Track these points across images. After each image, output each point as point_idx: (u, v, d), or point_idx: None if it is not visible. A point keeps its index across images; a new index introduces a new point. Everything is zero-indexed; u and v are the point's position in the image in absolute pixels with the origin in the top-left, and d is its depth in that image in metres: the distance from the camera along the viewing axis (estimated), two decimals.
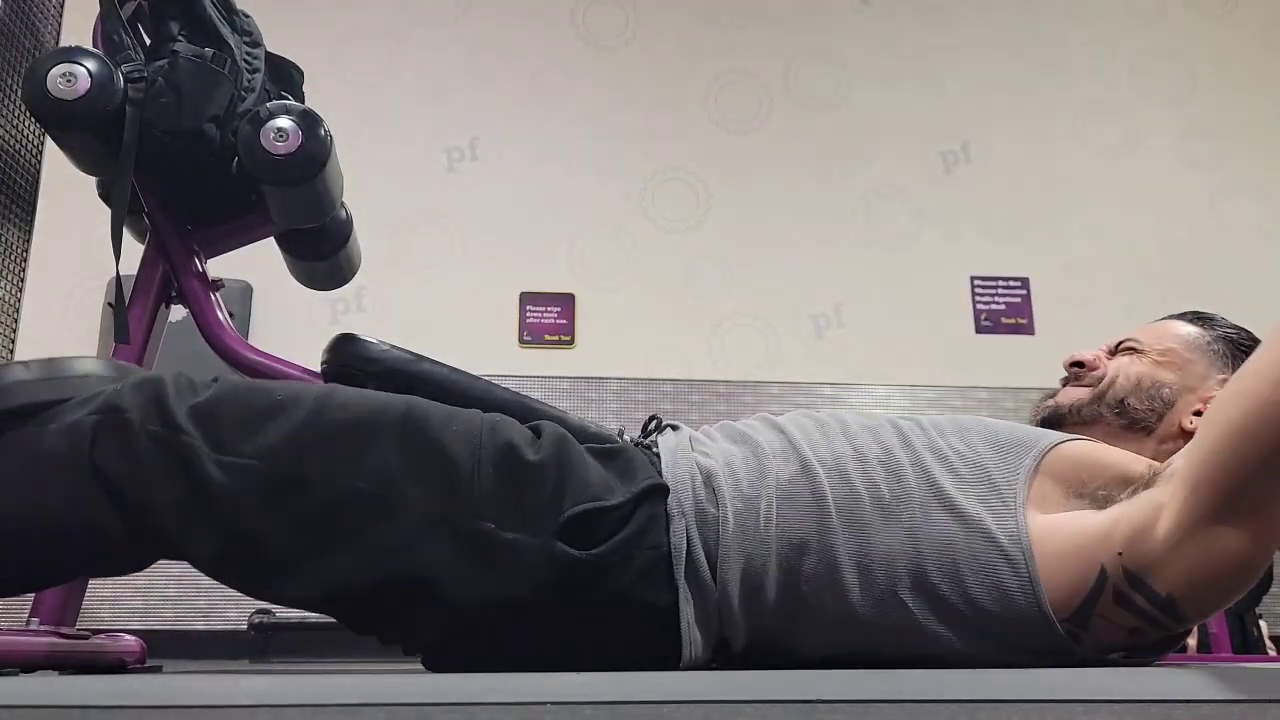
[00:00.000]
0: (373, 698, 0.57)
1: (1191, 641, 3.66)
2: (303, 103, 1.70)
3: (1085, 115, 4.21)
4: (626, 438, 1.09)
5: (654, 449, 1.04)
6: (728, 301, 3.85)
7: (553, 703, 0.53)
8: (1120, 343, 1.23)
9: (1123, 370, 1.18)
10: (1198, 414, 1.13)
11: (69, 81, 1.44)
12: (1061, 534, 0.95)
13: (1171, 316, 1.25)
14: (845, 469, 0.99)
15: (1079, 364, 1.21)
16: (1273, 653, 3.52)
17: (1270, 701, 0.59)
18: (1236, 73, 4.38)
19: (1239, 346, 1.18)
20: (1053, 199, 4.13)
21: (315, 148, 1.55)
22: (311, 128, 1.56)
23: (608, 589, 0.92)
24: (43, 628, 1.32)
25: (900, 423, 1.06)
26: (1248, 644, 3.43)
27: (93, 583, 1.47)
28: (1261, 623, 3.50)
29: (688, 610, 0.94)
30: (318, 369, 1.55)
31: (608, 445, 1.02)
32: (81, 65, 1.45)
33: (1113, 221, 4.14)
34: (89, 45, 1.55)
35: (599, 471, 0.96)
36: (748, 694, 0.61)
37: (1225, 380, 1.13)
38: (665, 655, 0.94)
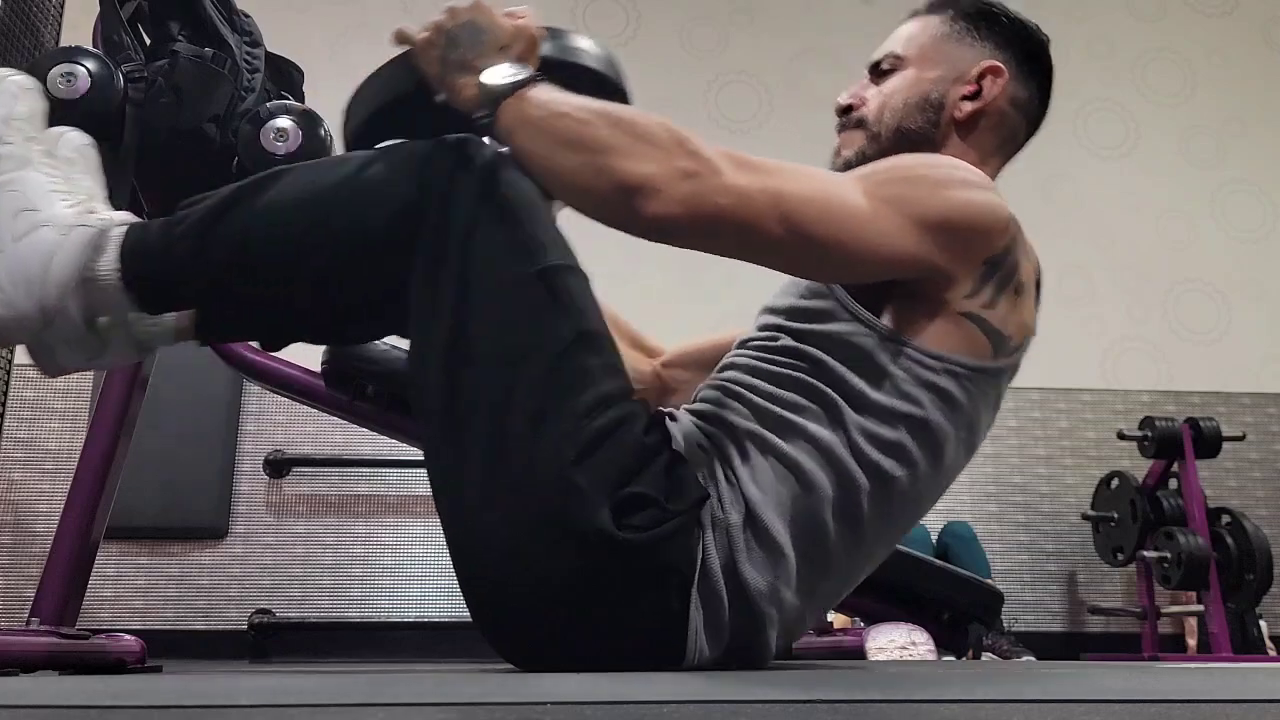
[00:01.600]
0: (373, 697, 0.57)
1: (1191, 641, 3.67)
2: (303, 103, 1.70)
3: (1085, 115, 4.21)
4: None
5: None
6: (728, 301, 3.85)
7: (552, 703, 0.53)
8: (877, 64, 1.19)
9: (886, 98, 1.15)
10: (965, 98, 1.13)
11: (69, 81, 1.44)
12: (924, 323, 1.00)
13: (910, 16, 1.22)
14: (780, 419, 0.99)
15: (846, 109, 1.19)
16: (1273, 653, 3.52)
17: (1270, 701, 0.60)
18: (1236, 73, 4.37)
19: (979, 15, 1.17)
20: (1053, 199, 4.13)
21: (315, 148, 1.55)
22: (311, 128, 1.56)
23: (630, 573, 0.92)
24: (43, 628, 1.32)
25: (764, 353, 1.06)
26: (1248, 644, 3.43)
27: (93, 582, 1.47)
28: (1261, 623, 3.50)
29: (696, 617, 0.94)
30: (318, 369, 1.55)
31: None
32: (81, 65, 1.45)
33: (1113, 221, 4.14)
34: (89, 45, 1.55)
35: (664, 476, 0.97)
36: (748, 694, 0.61)
37: (983, 52, 1.15)
38: (667, 653, 0.94)
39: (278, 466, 3.52)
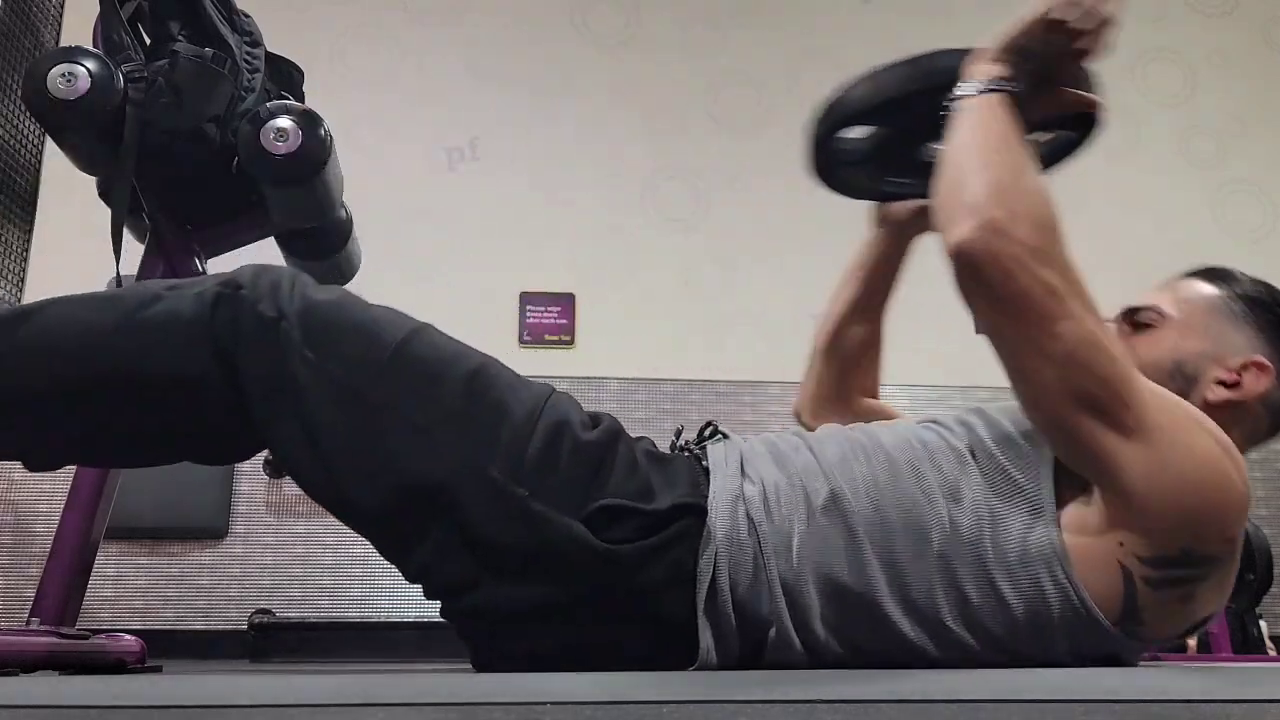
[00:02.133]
0: (372, 698, 0.57)
1: (1191, 641, 3.67)
2: (303, 103, 1.70)
3: None
4: (683, 439, 1.09)
5: (704, 461, 1.02)
6: (728, 301, 3.85)
7: (552, 703, 0.53)
8: (1135, 311, 1.12)
9: (1138, 355, 1.06)
10: (1222, 385, 1.04)
11: (69, 81, 1.44)
12: (1085, 540, 0.94)
13: (1187, 275, 1.15)
14: (877, 497, 0.97)
15: None
16: (1273, 653, 3.52)
17: (1270, 701, 0.59)
18: (1236, 73, 4.37)
19: (1260, 304, 1.09)
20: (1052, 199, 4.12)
21: (315, 148, 1.55)
22: (311, 128, 1.56)
23: (624, 586, 0.92)
24: (43, 628, 1.32)
25: (926, 436, 1.03)
26: (1248, 644, 3.43)
27: (93, 582, 1.47)
28: (1261, 623, 3.50)
29: (706, 636, 0.93)
30: None
31: (658, 451, 1.03)
32: (81, 65, 1.45)
33: (1113, 221, 4.14)
34: (89, 45, 1.54)
35: (644, 474, 0.97)
36: (748, 694, 0.61)
37: (1253, 341, 1.06)
38: (678, 660, 0.94)
39: (278, 467, 3.51)
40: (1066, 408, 0.91)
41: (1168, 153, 4.24)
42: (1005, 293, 0.91)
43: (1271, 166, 4.26)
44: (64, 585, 1.40)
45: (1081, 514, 0.95)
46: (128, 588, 3.38)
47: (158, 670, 1.35)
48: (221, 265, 1.71)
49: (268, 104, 1.59)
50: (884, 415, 1.31)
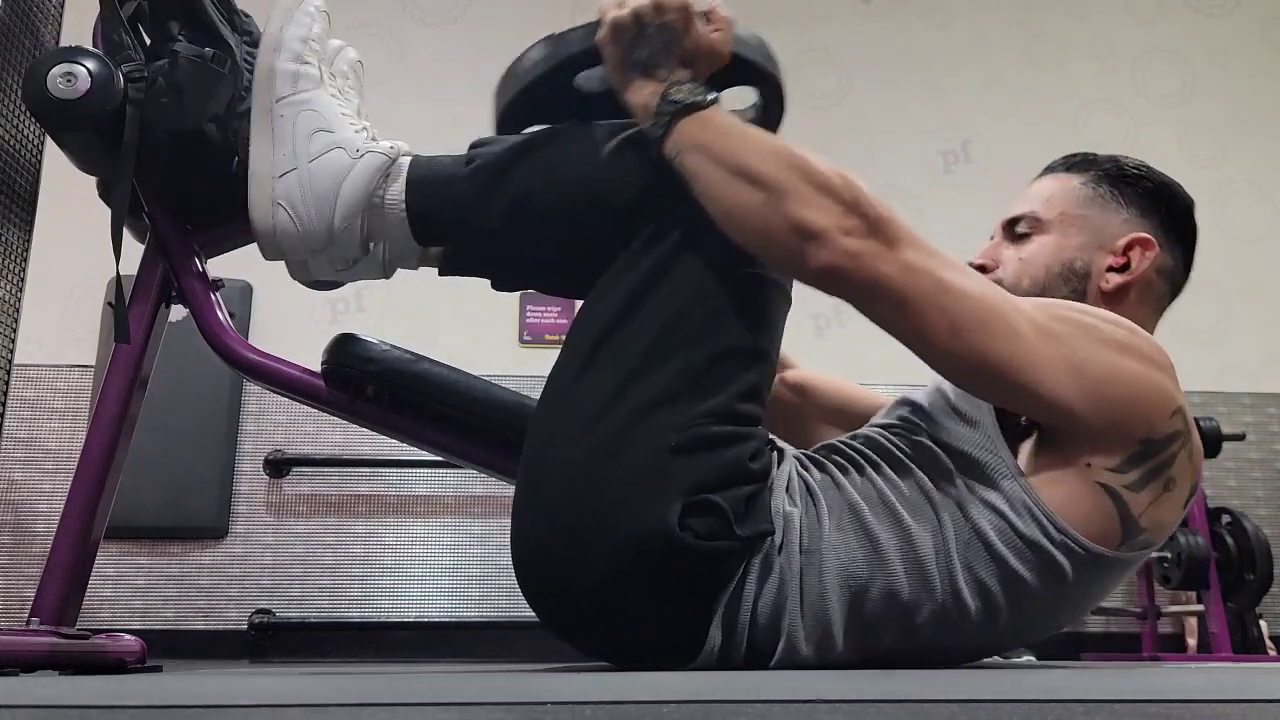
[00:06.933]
0: (372, 697, 0.57)
1: (1191, 641, 3.67)
2: None
3: (1085, 115, 4.21)
4: None
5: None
6: None
7: (553, 703, 0.53)
8: (1013, 223, 1.15)
9: (1024, 263, 1.11)
10: (1112, 270, 1.08)
11: (69, 81, 1.44)
12: (1059, 485, 0.94)
13: (1046, 173, 1.18)
14: (893, 507, 0.97)
15: (979, 270, 1.13)
16: (1273, 653, 3.52)
17: (1270, 701, 0.59)
18: (1236, 73, 4.37)
19: (1122, 179, 1.12)
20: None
21: None
22: None
23: (670, 568, 0.91)
24: (43, 628, 1.32)
25: (889, 442, 1.04)
26: (1248, 644, 3.43)
27: (93, 582, 1.47)
28: (1261, 623, 3.50)
29: (715, 637, 0.93)
30: (318, 369, 1.55)
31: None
32: (81, 65, 1.45)
33: None
34: (89, 45, 1.55)
35: (746, 501, 0.95)
36: (748, 694, 0.61)
37: (1128, 219, 1.09)
38: (679, 656, 0.94)
39: (278, 466, 3.52)
40: (966, 368, 0.92)
41: (1168, 153, 4.24)
42: (870, 291, 0.92)
43: (1271, 166, 4.26)
44: (64, 585, 1.39)
45: (1043, 458, 0.96)
46: (128, 588, 3.38)
47: (158, 670, 1.34)
48: (221, 265, 1.71)
49: None
50: (820, 391, 1.40)
